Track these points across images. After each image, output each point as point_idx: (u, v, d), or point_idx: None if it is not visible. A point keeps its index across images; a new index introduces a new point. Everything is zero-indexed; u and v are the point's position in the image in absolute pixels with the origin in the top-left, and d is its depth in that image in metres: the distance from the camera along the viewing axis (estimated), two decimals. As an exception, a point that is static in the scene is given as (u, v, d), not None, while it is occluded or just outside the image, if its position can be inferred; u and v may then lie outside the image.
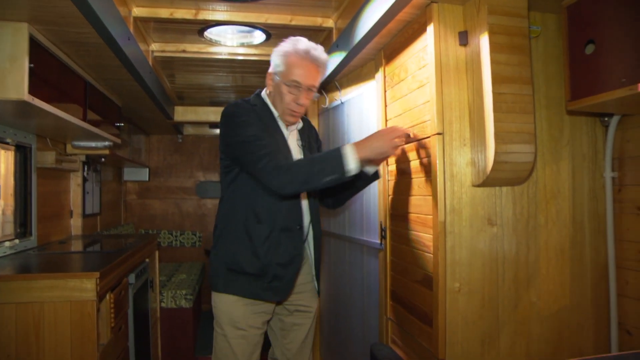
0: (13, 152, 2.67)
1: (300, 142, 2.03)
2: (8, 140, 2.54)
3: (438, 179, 1.90)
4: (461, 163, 1.93)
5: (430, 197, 1.96)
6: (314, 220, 2.04)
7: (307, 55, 1.87)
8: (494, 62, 1.75)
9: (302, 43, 1.90)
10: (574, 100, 1.85)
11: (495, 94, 1.75)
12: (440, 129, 1.91)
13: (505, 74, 1.76)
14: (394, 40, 2.34)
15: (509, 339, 1.94)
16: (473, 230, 1.94)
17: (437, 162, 1.91)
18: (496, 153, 1.76)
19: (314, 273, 2.05)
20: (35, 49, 2.01)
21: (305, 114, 2.17)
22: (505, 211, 1.97)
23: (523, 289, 1.97)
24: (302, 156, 1.99)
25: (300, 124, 2.05)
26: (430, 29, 1.93)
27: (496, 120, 1.76)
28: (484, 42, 1.78)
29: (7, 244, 2.52)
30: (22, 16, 1.89)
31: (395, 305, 2.37)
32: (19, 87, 1.92)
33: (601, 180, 2.09)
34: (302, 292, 2.04)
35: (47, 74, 2.17)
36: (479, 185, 1.92)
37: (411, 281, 2.17)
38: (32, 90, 1.96)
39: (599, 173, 2.09)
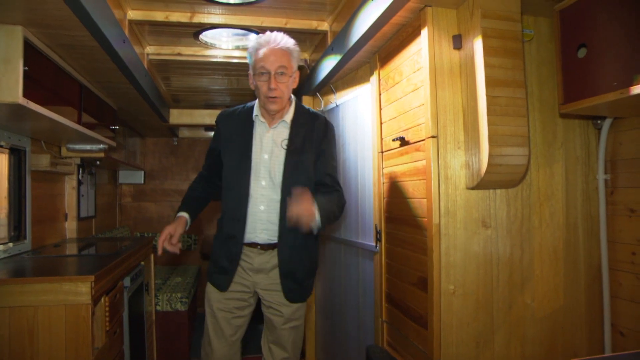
0: (7, 155, 2.65)
1: (285, 141, 2.01)
2: (2, 143, 2.53)
3: (432, 182, 1.91)
4: (455, 166, 1.94)
5: (425, 200, 1.97)
6: (282, 234, 1.99)
7: (267, 43, 1.93)
8: (487, 66, 1.76)
9: (263, 36, 1.97)
10: (567, 103, 1.87)
11: (489, 97, 1.77)
12: (434, 131, 1.92)
13: (499, 77, 1.77)
14: (388, 43, 2.35)
15: (504, 341, 1.95)
16: (467, 232, 1.95)
17: (432, 164, 1.92)
18: (490, 156, 1.77)
19: (279, 281, 2.02)
20: (30, 52, 2.00)
21: (310, 111, 2.13)
22: (499, 213, 1.98)
23: (517, 291, 1.98)
24: (274, 155, 2.00)
25: (287, 118, 2.03)
26: (425, 32, 1.95)
27: (490, 123, 1.77)
28: (477, 45, 1.79)
29: (0, 247, 2.51)
30: (16, 19, 1.88)
31: (390, 307, 2.37)
32: (13, 90, 1.91)
33: (594, 182, 2.11)
34: (271, 291, 2.06)
35: (41, 77, 2.17)
36: (473, 188, 1.93)
37: (406, 283, 2.18)
38: (27, 94, 1.95)
39: (592, 175, 2.11)
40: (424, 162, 1.99)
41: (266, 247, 2.01)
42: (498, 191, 1.98)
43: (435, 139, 1.92)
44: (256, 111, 2.05)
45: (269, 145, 2.02)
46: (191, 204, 2.23)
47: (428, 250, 1.95)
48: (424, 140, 1.98)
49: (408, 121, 2.15)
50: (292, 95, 2.10)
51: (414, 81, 2.08)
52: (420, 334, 2.04)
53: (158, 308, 3.81)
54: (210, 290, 2.12)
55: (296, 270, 2.02)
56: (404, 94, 2.19)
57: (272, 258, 2.02)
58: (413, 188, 2.09)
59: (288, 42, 1.95)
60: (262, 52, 1.92)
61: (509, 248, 1.99)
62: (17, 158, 2.74)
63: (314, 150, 2.02)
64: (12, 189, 2.70)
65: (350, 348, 2.89)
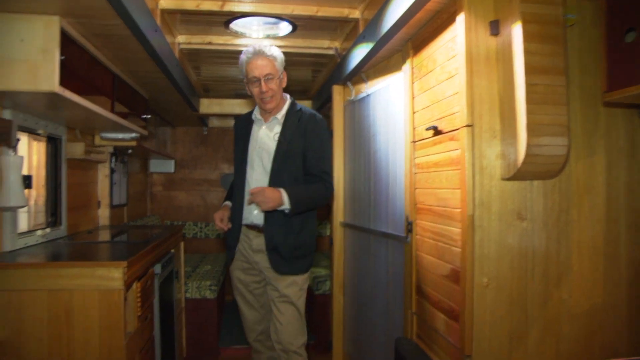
0: (45, 144, 2.72)
1: (277, 135, 2.32)
2: (40, 132, 2.59)
3: (467, 172, 1.86)
4: (491, 156, 1.88)
5: (459, 191, 1.92)
6: (267, 216, 2.28)
7: (253, 54, 2.26)
8: (526, 52, 1.69)
9: (249, 49, 2.29)
10: (612, 91, 1.78)
11: (528, 85, 1.70)
12: (469, 120, 1.87)
13: (538, 64, 1.71)
14: (422, 30, 2.29)
15: (538, 337, 1.90)
16: (502, 224, 1.89)
17: (466, 154, 1.86)
18: (528, 146, 1.71)
19: (267, 257, 2.29)
20: (66, 42, 2.03)
21: (301, 109, 2.40)
22: (535, 205, 1.92)
23: (553, 286, 1.91)
24: (265, 146, 2.33)
25: (279, 115, 2.35)
26: (460, 18, 1.89)
27: (528, 112, 1.71)
28: (516, 31, 1.72)
29: (38, 232, 2.58)
30: (54, 9, 1.91)
31: (420, 299, 2.34)
32: (50, 79, 1.94)
33: (639, 174, 2.01)
34: (267, 268, 2.31)
35: (76, 66, 2.20)
36: (509, 179, 1.87)
37: (437, 275, 2.14)
38: (62, 82, 1.99)
39: (637, 167, 2.01)
40: (458, 151, 1.94)
41: (260, 229, 2.30)
42: (535, 182, 1.92)
43: (470, 128, 1.87)
44: (255, 112, 2.43)
45: (263, 139, 2.35)
46: (230, 195, 2.57)
47: (461, 242, 1.90)
48: (458, 129, 1.93)
49: (441, 110, 2.09)
50: (288, 95, 2.42)
51: (449, 69, 2.02)
52: (451, 327, 2.01)
53: (187, 295, 3.87)
54: (232, 266, 2.47)
55: (279, 245, 2.27)
56: (437, 83, 2.14)
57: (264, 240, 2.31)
58: (446, 178, 2.04)
59: (271, 50, 2.27)
60: (249, 62, 2.27)
61: (545, 241, 1.92)
62: (54, 146, 2.81)
63: (303, 142, 2.29)
64: (49, 176, 2.77)
65: (378, 340, 2.87)
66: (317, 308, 4.06)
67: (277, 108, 2.35)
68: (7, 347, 1.96)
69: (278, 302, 2.30)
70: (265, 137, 2.35)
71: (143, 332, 2.41)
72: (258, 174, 2.33)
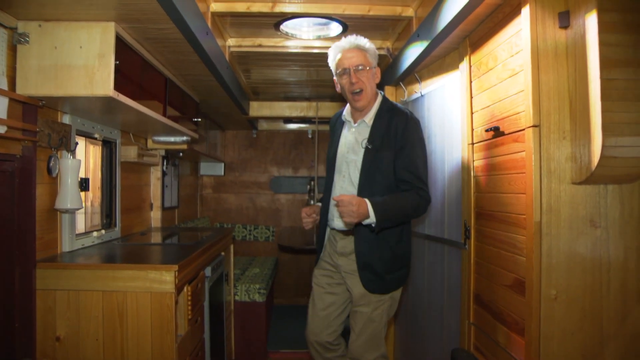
0: (100, 147, 2.79)
1: (364, 140, 2.14)
2: (96, 136, 2.65)
3: (533, 175, 1.73)
4: (560, 158, 1.74)
5: (524, 195, 1.79)
6: (357, 226, 2.09)
7: (342, 44, 2.15)
8: (602, 44, 1.55)
9: (338, 42, 2.19)
10: (700, 85, 1.60)
11: (604, 80, 1.56)
12: (536, 120, 1.73)
13: (616, 57, 1.56)
14: (481, 26, 2.17)
15: (616, 356, 1.73)
16: (572, 232, 1.75)
17: (533, 156, 1.73)
18: (603, 147, 1.57)
19: (355, 266, 2.14)
20: (120, 47, 2.06)
21: (393, 108, 2.19)
22: (610, 212, 1.76)
23: (633, 301, 1.74)
24: (353, 153, 2.17)
25: (368, 117, 2.17)
26: (526, 11, 1.76)
27: (604, 110, 1.56)
28: (590, 21, 1.58)
29: (95, 234, 2.64)
30: (109, 16, 1.94)
31: (479, 309, 2.21)
32: (106, 83, 1.98)
33: None
34: (350, 275, 2.18)
35: (130, 70, 2.23)
36: (580, 183, 1.72)
37: (499, 285, 2.01)
38: (117, 87, 2.01)
39: None
40: (522, 153, 1.81)
41: (346, 232, 2.17)
42: (610, 187, 1.75)
43: (536, 129, 1.73)
44: (345, 112, 2.29)
45: (352, 143, 2.20)
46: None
47: (526, 250, 1.77)
48: (523, 130, 1.80)
49: (503, 110, 1.97)
50: (380, 92, 2.24)
51: (512, 66, 1.90)
52: (514, 341, 1.87)
53: (236, 298, 3.87)
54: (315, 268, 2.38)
55: (373, 262, 2.10)
56: (499, 81, 2.01)
57: (349, 244, 2.17)
58: (509, 182, 1.92)
59: (361, 40, 2.15)
60: (338, 53, 2.16)
61: (623, 252, 1.75)
62: (109, 150, 2.87)
63: (393, 147, 2.07)
64: (104, 179, 2.83)
65: (433, 350, 2.74)
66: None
67: (367, 108, 2.17)
68: (67, 344, 2.03)
69: (354, 309, 2.18)
70: (354, 142, 2.18)
71: (193, 335, 2.41)
72: (345, 182, 2.19)
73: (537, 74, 1.74)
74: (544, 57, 1.74)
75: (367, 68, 2.11)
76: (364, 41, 2.14)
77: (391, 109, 2.16)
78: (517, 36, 1.84)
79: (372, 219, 1.93)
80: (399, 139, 2.06)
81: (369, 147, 2.10)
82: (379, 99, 2.20)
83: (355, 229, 2.10)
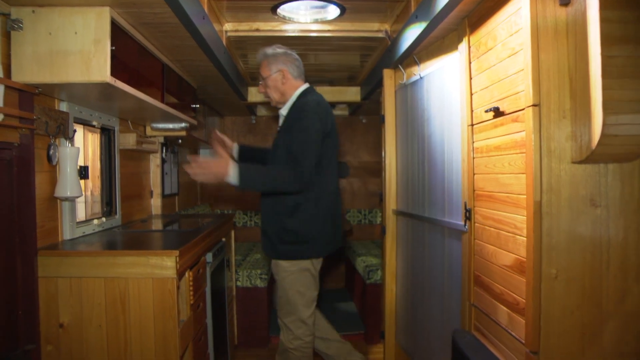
0: (99, 135, 2.78)
1: (281, 127, 2.51)
2: (94, 123, 2.63)
3: (533, 155, 1.72)
4: (560, 137, 1.73)
5: (524, 175, 1.79)
6: (261, 200, 2.55)
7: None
8: (603, 20, 1.53)
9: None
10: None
11: (605, 57, 1.54)
12: (536, 100, 1.72)
13: (617, 34, 1.54)
14: (480, 6, 2.14)
15: (615, 334, 1.74)
16: (573, 211, 1.75)
17: (533, 136, 1.72)
18: (604, 125, 1.55)
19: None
20: (116, 32, 2.04)
21: (301, 102, 2.47)
22: (611, 191, 1.75)
23: (632, 279, 1.75)
24: (275, 138, 2.55)
25: (283, 110, 2.53)
26: (526, -12, 1.74)
27: (605, 88, 1.54)
28: (591, -2, 1.56)
29: (95, 221, 2.65)
30: (104, 0, 1.91)
31: (479, 290, 2.22)
32: (102, 69, 1.95)
33: None
34: None
35: (126, 56, 2.21)
36: (580, 162, 1.72)
37: (499, 266, 2.01)
38: (114, 73, 1.99)
39: None
40: (522, 133, 1.80)
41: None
42: (610, 166, 1.75)
43: (536, 108, 1.72)
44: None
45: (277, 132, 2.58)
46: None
47: (527, 230, 1.77)
48: (523, 110, 1.79)
49: (503, 90, 1.95)
50: (300, 89, 2.52)
51: (511, 45, 1.88)
52: (515, 320, 1.88)
53: (238, 284, 3.89)
54: None
55: (266, 228, 2.49)
56: (498, 60, 1.99)
57: None
58: (509, 162, 1.91)
59: (261, 53, 2.54)
60: None
61: (623, 231, 1.75)
62: (107, 137, 2.86)
63: (289, 132, 2.37)
64: (103, 167, 2.83)
65: (434, 331, 2.76)
66: (368, 297, 3.99)
67: (283, 102, 2.53)
68: (71, 331, 2.04)
69: (277, 285, 2.53)
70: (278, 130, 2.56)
71: (196, 320, 2.42)
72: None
73: (537, 53, 1.72)
74: (544, 35, 1.72)
75: (264, 77, 2.51)
76: (262, 53, 2.53)
77: (298, 101, 2.47)
78: (517, 14, 1.82)
79: (232, 178, 2.21)
80: (291, 125, 2.38)
81: (279, 130, 2.50)
82: (297, 93, 2.50)
83: (260, 201, 2.53)
